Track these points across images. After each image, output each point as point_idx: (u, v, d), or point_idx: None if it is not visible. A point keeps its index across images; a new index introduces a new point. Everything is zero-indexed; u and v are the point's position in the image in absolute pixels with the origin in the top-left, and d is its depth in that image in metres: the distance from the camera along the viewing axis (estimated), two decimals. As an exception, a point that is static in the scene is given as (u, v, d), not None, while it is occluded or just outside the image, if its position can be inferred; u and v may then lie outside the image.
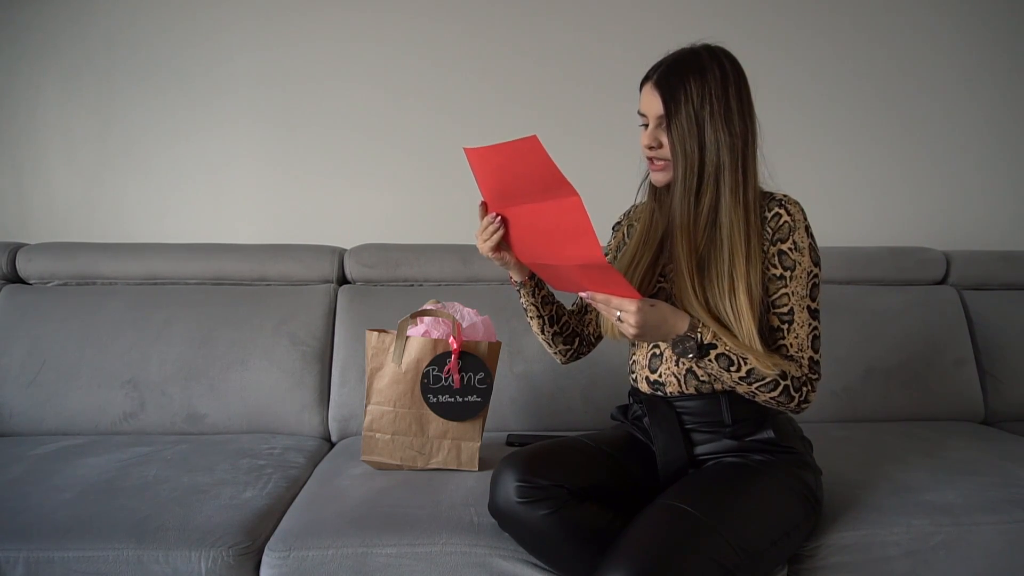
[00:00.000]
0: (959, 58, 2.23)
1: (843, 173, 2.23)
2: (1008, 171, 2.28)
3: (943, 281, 1.98)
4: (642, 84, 1.10)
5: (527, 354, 1.68)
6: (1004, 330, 1.87)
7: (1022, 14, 2.24)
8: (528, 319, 1.24)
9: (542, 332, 1.24)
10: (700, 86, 1.03)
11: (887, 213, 2.25)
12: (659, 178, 1.11)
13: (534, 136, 0.86)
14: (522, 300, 1.21)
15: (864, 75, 2.21)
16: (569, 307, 1.29)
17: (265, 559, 1.07)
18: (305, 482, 1.34)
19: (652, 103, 1.06)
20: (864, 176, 2.24)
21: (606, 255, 1.29)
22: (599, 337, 1.30)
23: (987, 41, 2.24)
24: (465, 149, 1.00)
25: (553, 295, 1.23)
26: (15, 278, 1.79)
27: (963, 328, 1.86)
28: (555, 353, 1.28)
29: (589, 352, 1.31)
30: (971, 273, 1.96)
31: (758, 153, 1.08)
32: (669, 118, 1.04)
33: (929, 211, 2.26)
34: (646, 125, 1.10)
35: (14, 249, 1.78)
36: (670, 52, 1.08)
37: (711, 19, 2.14)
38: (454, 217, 2.10)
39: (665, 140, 1.06)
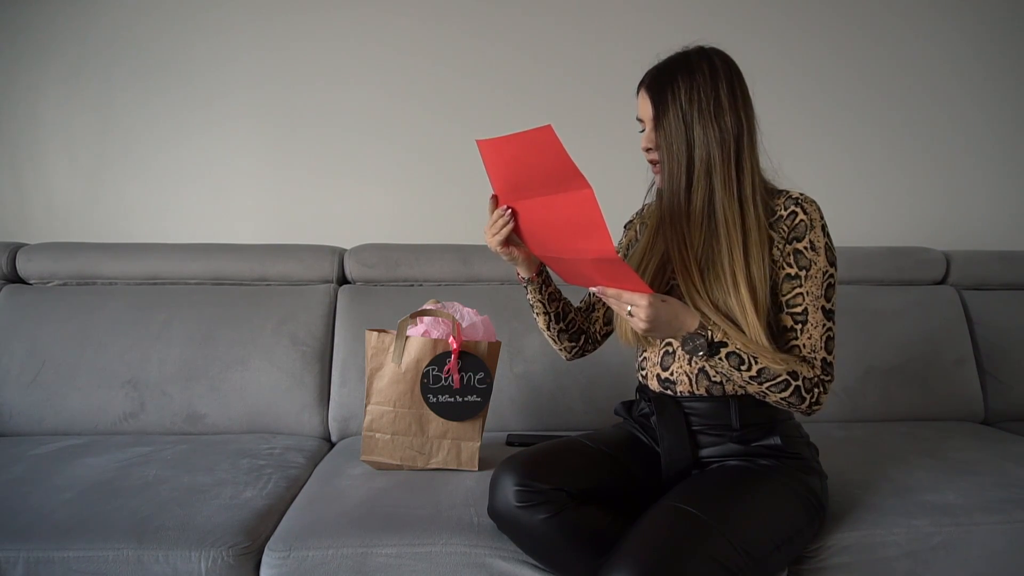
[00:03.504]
0: (959, 58, 2.23)
1: (843, 173, 2.23)
2: (1008, 171, 2.28)
3: (943, 281, 1.98)
4: (638, 90, 1.11)
5: (527, 354, 1.68)
6: (1004, 330, 1.87)
7: (1022, 15, 2.24)
8: (534, 315, 1.24)
9: (548, 328, 1.24)
10: (688, 85, 1.04)
11: (887, 213, 2.25)
12: (661, 181, 1.12)
13: (549, 126, 0.85)
14: (529, 296, 1.21)
15: (864, 75, 2.21)
16: (576, 304, 1.29)
17: (265, 559, 1.07)
18: (305, 482, 1.34)
19: (646, 107, 1.08)
20: (864, 176, 2.24)
21: (616, 252, 1.29)
22: (605, 335, 1.30)
23: (987, 41, 2.24)
24: (477, 141, 1.00)
25: (560, 292, 1.23)
26: (15, 278, 1.79)
27: (963, 328, 1.86)
28: (560, 350, 1.28)
29: (595, 350, 1.31)
30: (971, 273, 1.96)
31: (757, 148, 1.08)
32: (657, 119, 1.06)
33: (929, 211, 2.26)
34: (643, 130, 1.11)
35: (14, 249, 1.78)
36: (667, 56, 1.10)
37: (713, 19, 2.14)
38: (454, 217, 2.10)
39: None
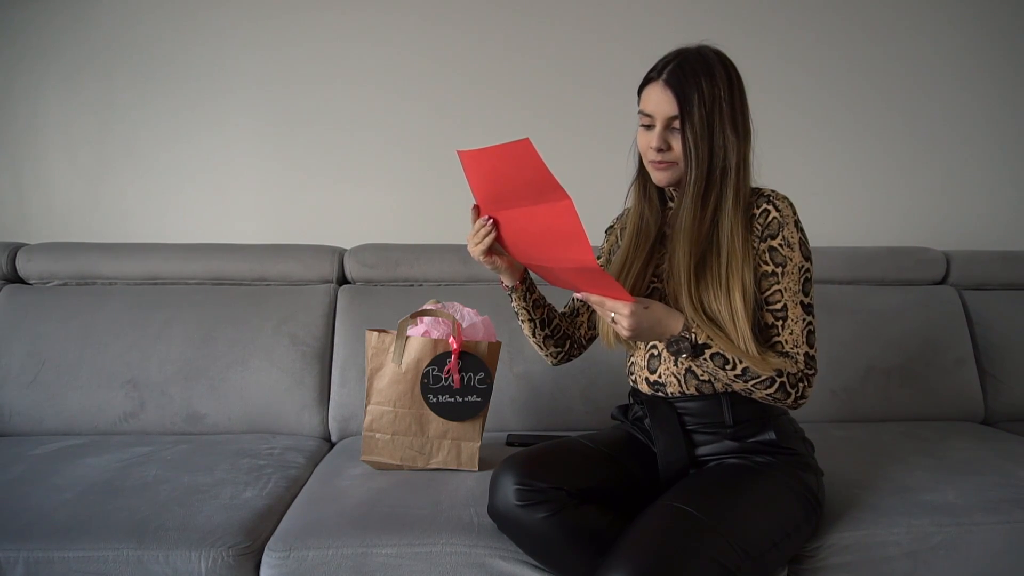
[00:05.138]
0: (959, 58, 2.23)
1: (843, 173, 2.23)
2: (1008, 171, 2.28)
3: (943, 281, 1.98)
4: (645, 83, 1.08)
5: (527, 354, 1.68)
6: (1004, 330, 1.87)
7: (1022, 14, 2.24)
8: (519, 322, 1.24)
9: (533, 335, 1.24)
10: (711, 88, 1.02)
11: (887, 213, 2.25)
12: (663, 177, 1.09)
13: (527, 139, 0.86)
14: (513, 304, 1.21)
15: (864, 74, 2.21)
16: (560, 309, 1.29)
17: (265, 559, 1.07)
18: (305, 482, 1.34)
19: (663, 103, 1.04)
20: (864, 176, 2.24)
21: (599, 259, 1.28)
22: (590, 339, 1.30)
23: (987, 41, 2.24)
24: (458, 152, 1.00)
25: (544, 298, 1.23)
26: (15, 278, 1.79)
27: (963, 328, 1.86)
28: (546, 355, 1.28)
29: (580, 354, 1.31)
30: (971, 273, 1.96)
31: (751, 154, 1.08)
32: (683, 120, 1.02)
33: (929, 211, 2.26)
34: (649, 126, 1.07)
35: (14, 249, 1.78)
36: (669, 51, 1.07)
37: (710, 18, 2.14)
38: (454, 217, 2.09)
39: (675, 143, 1.05)
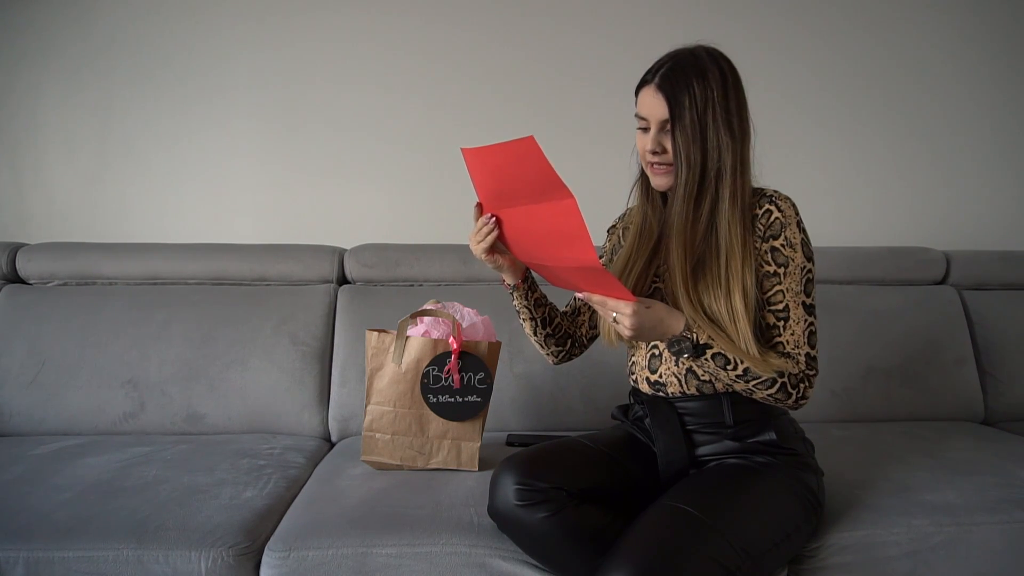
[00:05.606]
0: (959, 58, 2.23)
1: (843, 173, 2.23)
2: (1008, 171, 2.28)
3: (943, 281, 1.98)
4: (641, 86, 1.08)
5: (527, 354, 1.68)
6: (1004, 330, 1.87)
7: (1022, 14, 2.24)
8: (521, 321, 1.24)
9: (535, 334, 1.24)
10: (703, 89, 1.01)
11: (887, 213, 2.25)
12: (662, 182, 1.10)
13: (531, 137, 0.86)
14: (515, 303, 1.21)
15: (865, 75, 2.21)
16: (562, 308, 1.29)
17: (265, 559, 1.07)
18: (305, 482, 1.34)
19: (655, 107, 1.04)
20: (864, 176, 2.24)
21: (600, 258, 1.28)
22: (592, 339, 1.30)
23: (987, 41, 2.24)
24: (462, 149, 1.00)
25: (546, 297, 1.23)
26: (15, 278, 1.79)
27: (963, 328, 1.86)
28: (547, 354, 1.28)
29: (581, 353, 1.31)
30: (971, 273, 1.96)
31: (751, 154, 1.08)
32: (674, 123, 1.03)
33: (929, 211, 2.26)
34: (645, 129, 1.08)
35: (14, 249, 1.78)
36: (666, 53, 1.07)
37: (710, 18, 2.14)
38: (454, 217, 2.09)
39: (669, 145, 1.05)
